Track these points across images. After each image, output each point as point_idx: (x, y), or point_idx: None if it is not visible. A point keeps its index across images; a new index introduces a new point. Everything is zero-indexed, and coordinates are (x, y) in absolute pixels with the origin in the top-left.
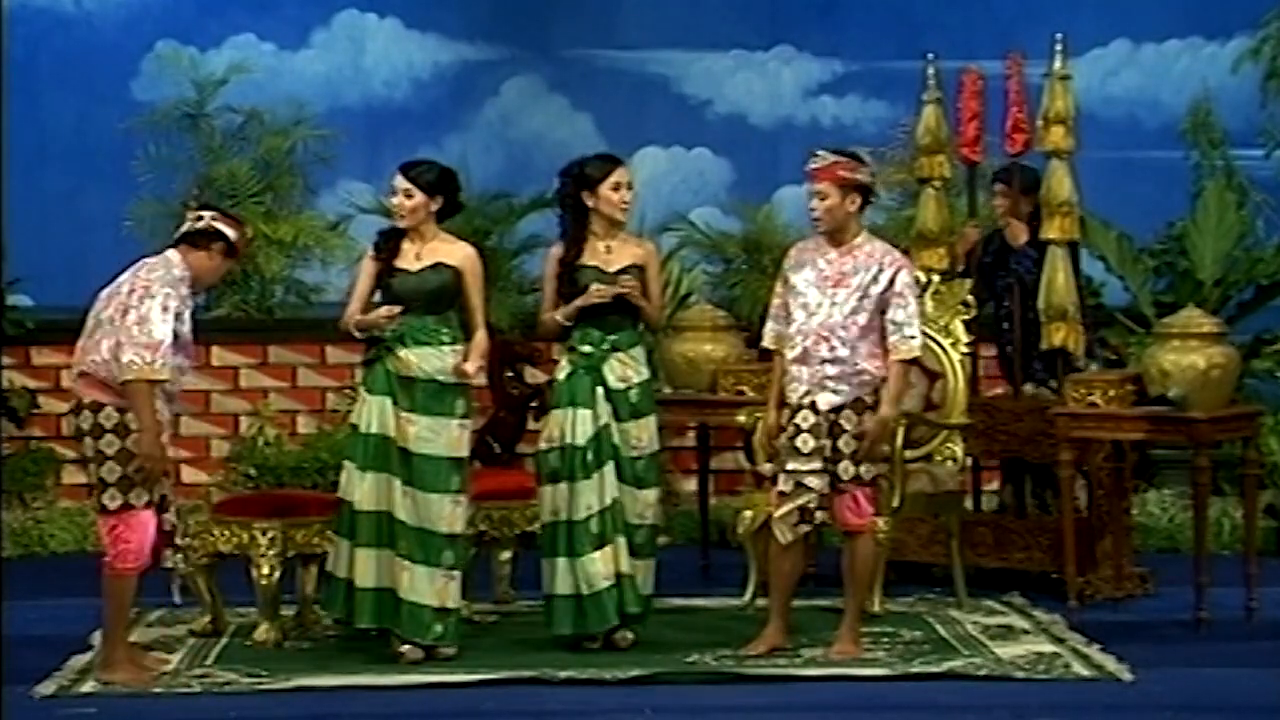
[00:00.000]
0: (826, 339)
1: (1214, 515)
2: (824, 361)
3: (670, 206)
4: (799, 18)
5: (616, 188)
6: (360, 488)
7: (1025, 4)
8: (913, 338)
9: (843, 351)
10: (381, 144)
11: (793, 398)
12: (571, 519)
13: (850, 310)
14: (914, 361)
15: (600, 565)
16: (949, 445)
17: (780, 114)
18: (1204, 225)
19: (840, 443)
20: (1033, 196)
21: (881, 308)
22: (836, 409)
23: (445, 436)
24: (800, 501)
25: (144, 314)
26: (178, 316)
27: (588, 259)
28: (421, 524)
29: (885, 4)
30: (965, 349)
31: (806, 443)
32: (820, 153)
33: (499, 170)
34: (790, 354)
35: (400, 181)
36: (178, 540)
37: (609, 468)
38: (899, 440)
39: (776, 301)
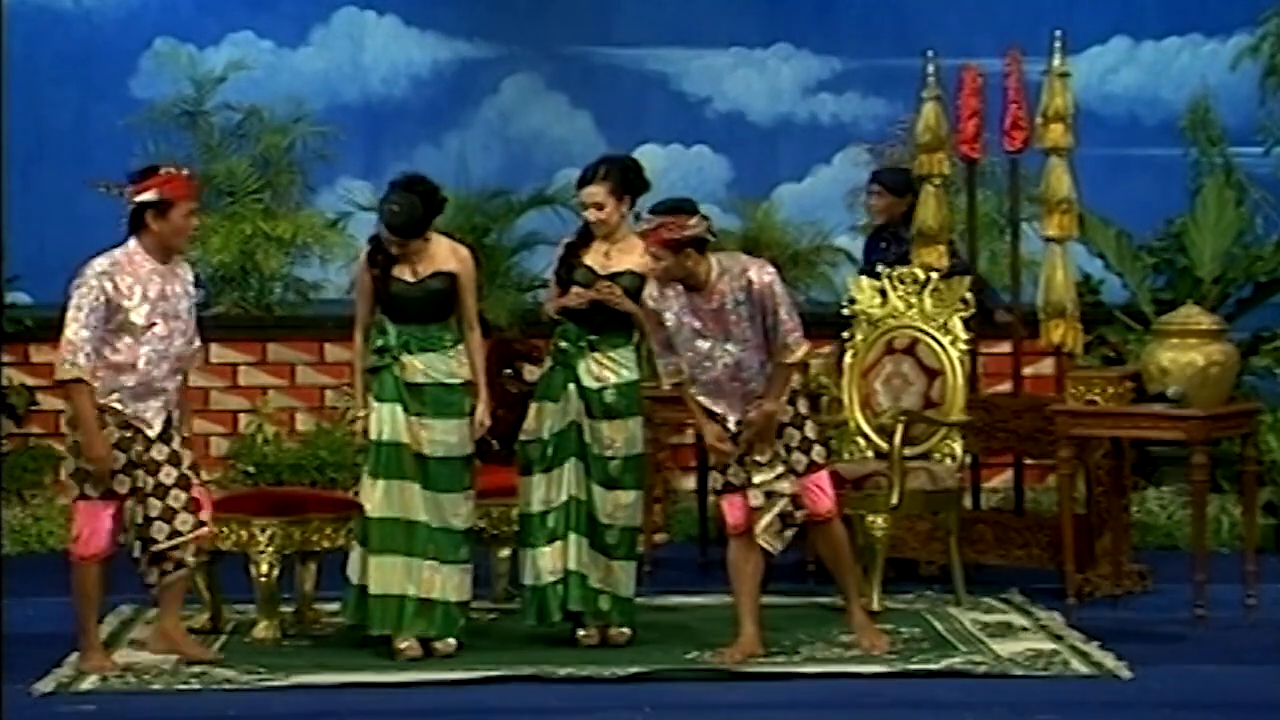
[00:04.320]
0: (735, 377)
1: (1213, 512)
2: (741, 395)
3: None
4: (798, 15)
5: (584, 206)
6: (374, 495)
7: (1025, 1)
8: (787, 346)
9: (754, 379)
10: (381, 141)
11: (729, 422)
12: (529, 512)
13: (743, 345)
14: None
15: (547, 560)
16: (948, 443)
17: (779, 111)
18: (1203, 222)
19: (785, 438)
20: (907, 197)
21: (764, 319)
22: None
23: (459, 436)
24: (777, 509)
25: (67, 318)
26: (109, 304)
27: (588, 257)
28: (443, 524)
29: (884, 1)
30: (964, 346)
31: (763, 452)
32: (646, 216)
33: (498, 168)
34: (698, 389)
35: (389, 234)
36: (154, 533)
37: (570, 464)
38: (898, 438)
39: (659, 337)
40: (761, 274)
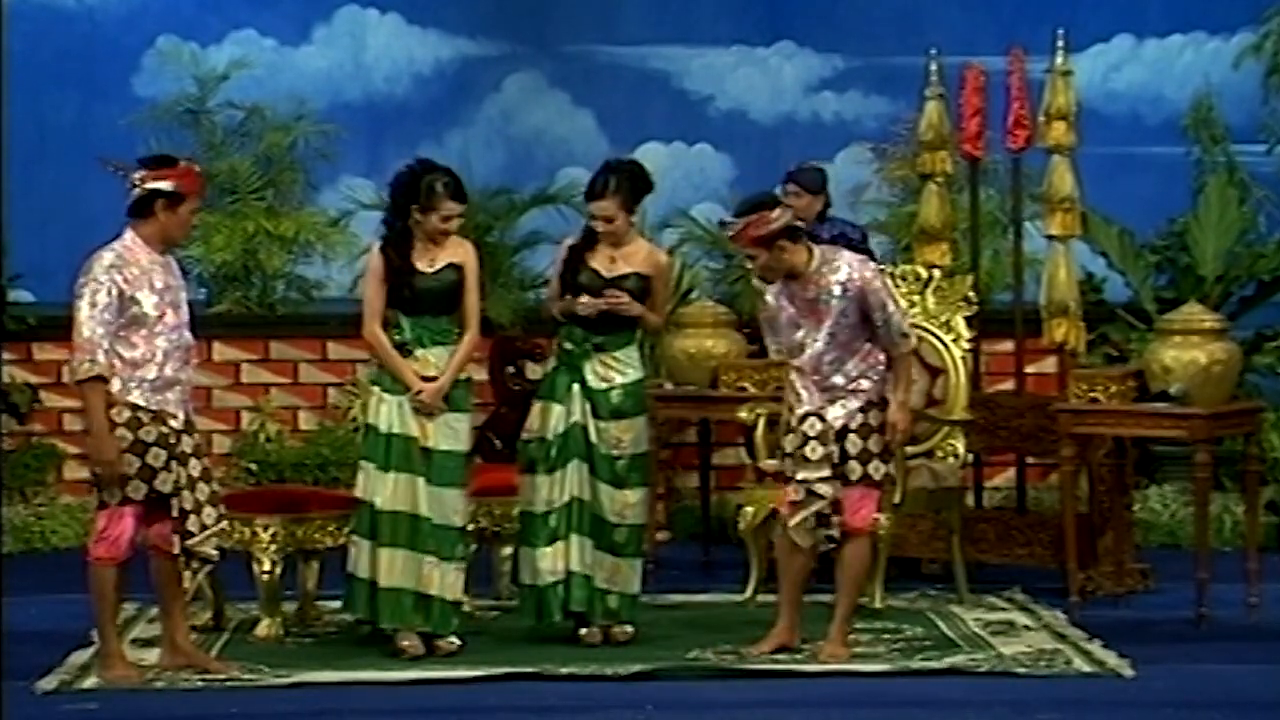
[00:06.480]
0: (819, 368)
1: (1215, 511)
2: (824, 389)
3: (671, 202)
4: (800, 13)
5: (593, 218)
6: (383, 488)
7: None
8: (904, 335)
9: (838, 374)
10: (383, 140)
11: (799, 408)
12: (531, 511)
13: (829, 336)
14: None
15: (548, 560)
16: (950, 441)
17: (781, 110)
18: (1205, 221)
19: (847, 443)
20: (822, 195)
21: (862, 316)
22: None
23: (462, 431)
24: (814, 509)
25: (77, 318)
26: (122, 298)
27: (593, 260)
28: (444, 520)
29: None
30: (967, 344)
31: (815, 450)
32: (728, 220)
33: (500, 166)
34: (792, 368)
35: (449, 205)
36: (190, 526)
37: (575, 464)
38: None
39: (763, 318)
40: (863, 270)
